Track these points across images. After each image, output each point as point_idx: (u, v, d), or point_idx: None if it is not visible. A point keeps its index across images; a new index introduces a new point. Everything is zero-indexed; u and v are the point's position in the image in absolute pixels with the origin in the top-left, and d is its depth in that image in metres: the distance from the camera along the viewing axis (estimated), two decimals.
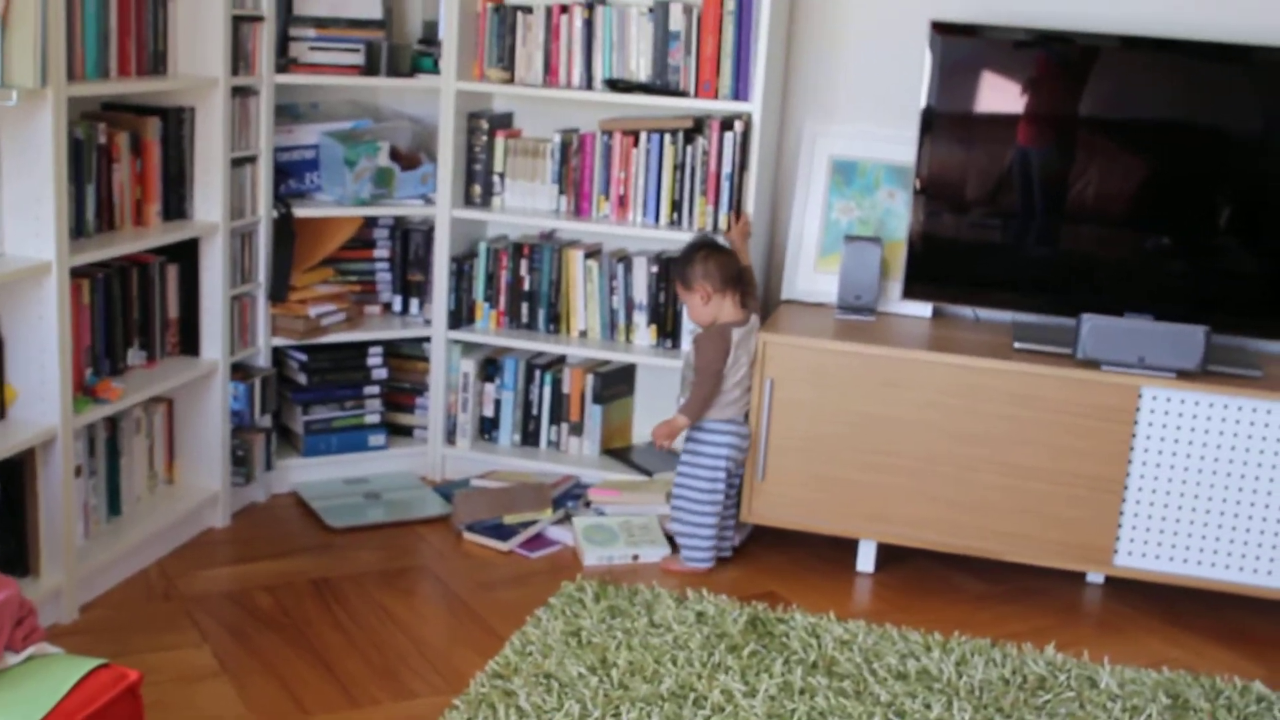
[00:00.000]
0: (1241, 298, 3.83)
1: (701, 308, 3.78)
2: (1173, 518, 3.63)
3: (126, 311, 3.59)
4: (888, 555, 3.92)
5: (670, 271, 4.10)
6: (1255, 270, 3.83)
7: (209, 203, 3.76)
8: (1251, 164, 3.80)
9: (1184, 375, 3.59)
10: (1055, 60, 3.86)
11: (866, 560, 3.89)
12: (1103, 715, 3.10)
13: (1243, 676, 3.37)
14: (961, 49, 3.85)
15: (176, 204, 3.72)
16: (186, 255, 3.78)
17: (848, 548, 3.91)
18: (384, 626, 3.39)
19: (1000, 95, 3.89)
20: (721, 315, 3.78)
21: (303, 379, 4.22)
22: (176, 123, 3.67)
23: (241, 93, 3.83)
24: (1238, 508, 3.59)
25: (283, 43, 4.03)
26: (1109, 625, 3.67)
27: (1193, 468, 3.60)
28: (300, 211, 4.07)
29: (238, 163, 3.84)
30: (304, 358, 4.21)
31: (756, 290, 3.93)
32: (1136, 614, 3.74)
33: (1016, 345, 3.76)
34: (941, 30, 3.83)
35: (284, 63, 4.02)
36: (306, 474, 4.26)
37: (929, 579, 3.88)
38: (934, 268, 3.97)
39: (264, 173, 3.95)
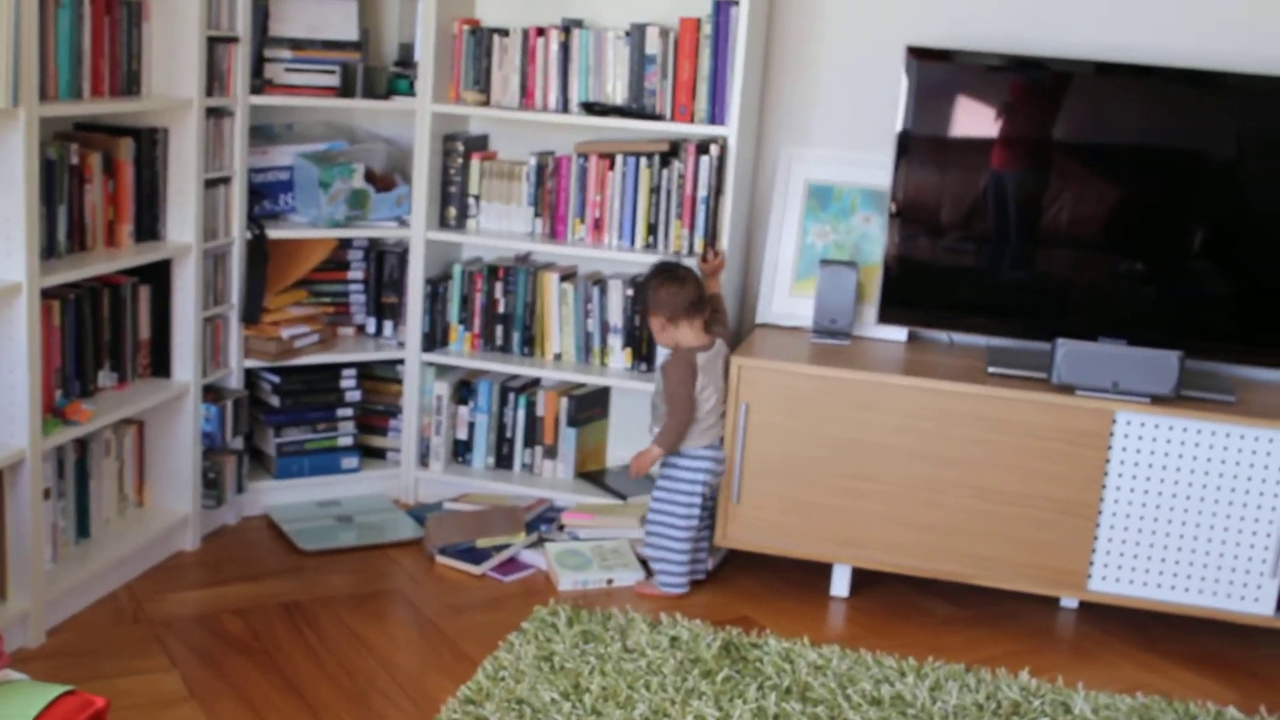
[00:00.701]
0: (1215, 323, 3.84)
1: (660, 332, 3.81)
2: (1146, 542, 3.63)
3: (97, 333, 3.56)
4: (861, 579, 3.91)
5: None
6: (1229, 295, 3.84)
7: (182, 224, 3.74)
8: (1225, 189, 3.81)
9: (1158, 400, 3.60)
10: (1030, 85, 3.88)
11: (840, 584, 3.88)
12: None
13: (1216, 702, 3.37)
14: (937, 74, 3.86)
15: (149, 225, 3.70)
16: (159, 276, 3.75)
17: (822, 572, 3.90)
18: (355, 651, 3.36)
19: (976, 120, 3.91)
20: (682, 340, 3.78)
21: (275, 401, 4.19)
22: (150, 143, 3.65)
23: (216, 114, 3.81)
24: (1211, 532, 3.60)
25: (258, 64, 4.02)
26: (1083, 650, 3.67)
27: (1166, 492, 3.60)
28: (274, 233, 4.05)
29: (211, 184, 3.82)
30: (277, 379, 4.18)
31: (726, 317, 3.92)
32: (1110, 639, 3.74)
33: (991, 370, 3.77)
34: (918, 55, 3.84)
35: (259, 84, 4.01)
36: (278, 496, 4.23)
37: (903, 603, 3.87)
38: (909, 292, 3.97)
39: (238, 194, 3.93)
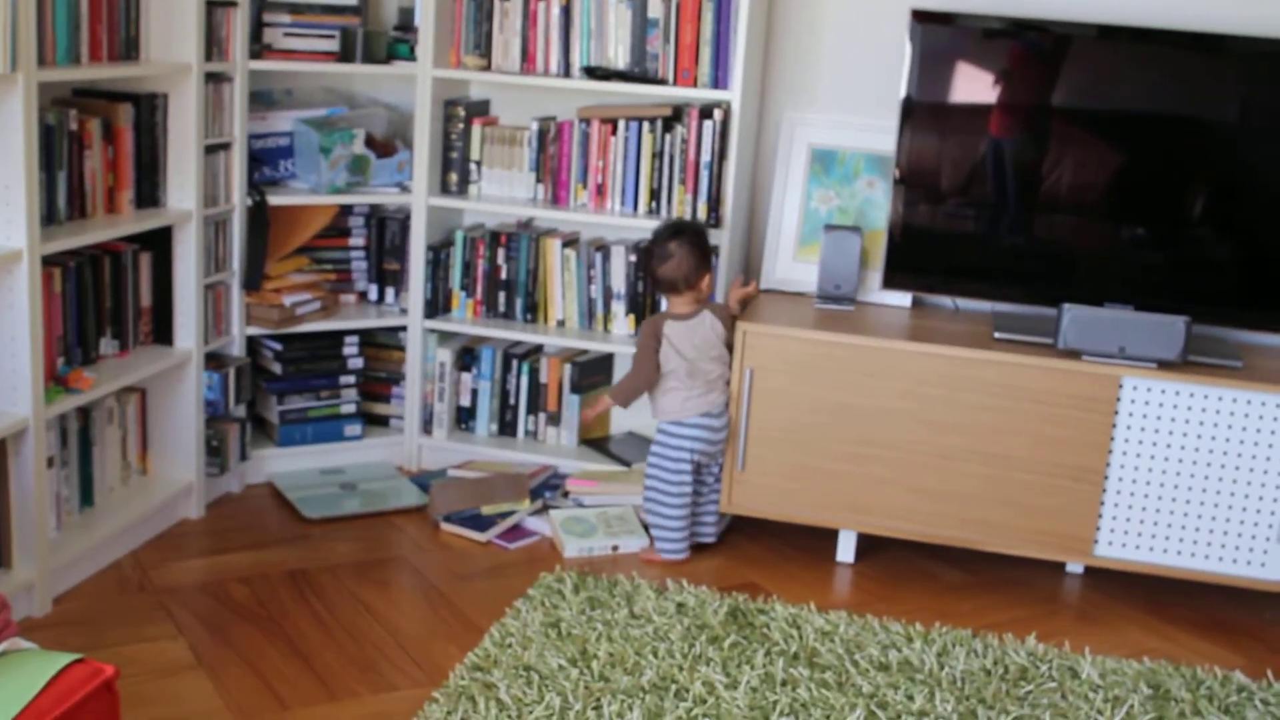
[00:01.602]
0: (1221, 288, 3.82)
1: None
2: (1153, 508, 3.63)
3: (99, 300, 3.54)
4: (867, 545, 3.90)
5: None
6: (1234, 260, 3.83)
7: (182, 190, 3.71)
8: (1229, 154, 3.79)
9: (1164, 365, 3.59)
10: (1033, 49, 3.85)
11: (847, 550, 3.88)
12: (1084, 706, 3.10)
13: (1223, 666, 3.37)
14: (942, 38, 3.83)
15: (149, 191, 3.67)
16: (160, 243, 3.73)
17: (828, 538, 3.89)
18: (361, 618, 3.36)
19: (980, 84, 3.88)
20: (671, 306, 3.79)
21: (278, 368, 4.18)
22: (149, 109, 3.62)
23: (215, 79, 3.78)
24: (1218, 498, 3.59)
25: (257, 29, 3.98)
26: (1089, 615, 3.67)
27: (1173, 458, 3.59)
28: (275, 199, 4.02)
29: (211, 150, 3.79)
30: (279, 347, 4.17)
31: (729, 329, 3.82)
32: (1117, 604, 3.74)
33: (997, 335, 3.75)
34: (922, 19, 3.80)
35: (258, 49, 3.98)
36: (282, 464, 4.22)
37: (909, 569, 3.87)
38: (914, 257, 3.95)
39: (238, 160, 3.90)
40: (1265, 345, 3.92)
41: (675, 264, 3.71)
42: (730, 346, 3.77)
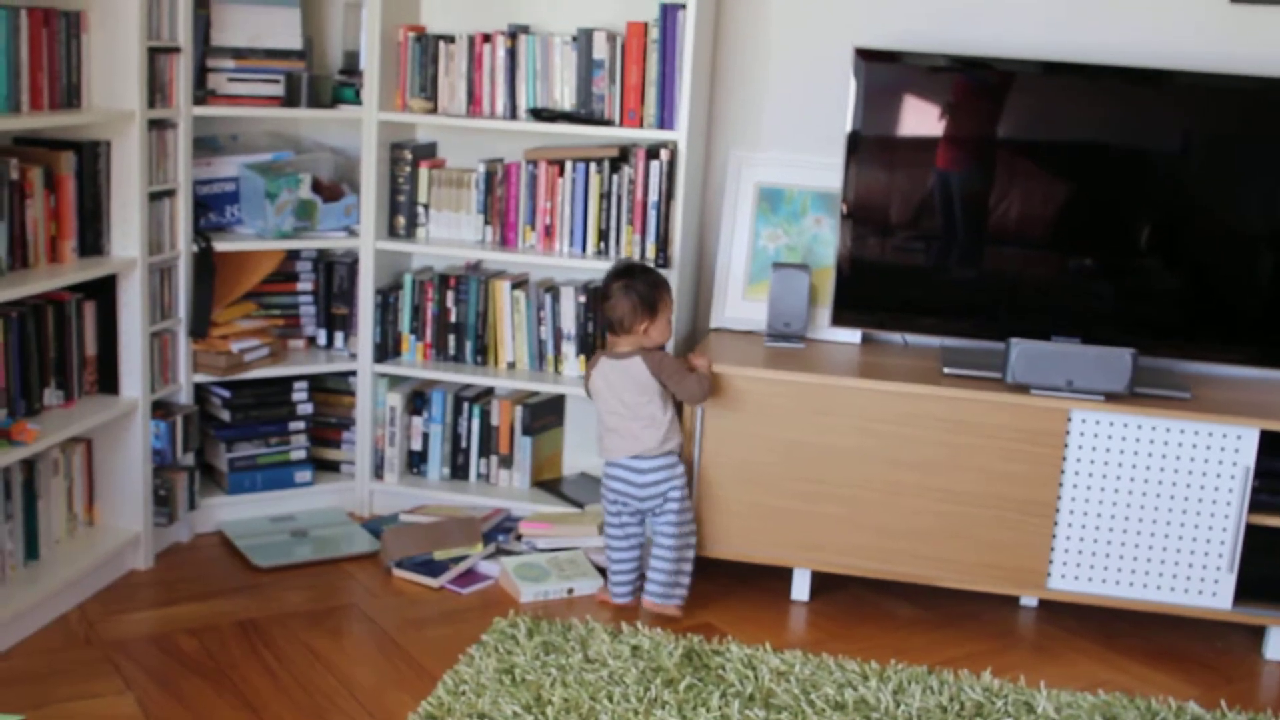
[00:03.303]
0: (1168, 319, 3.86)
1: None
2: (1104, 539, 3.64)
3: (42, 350, 3.50)
4: (822, 583, 3.90)
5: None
6: (1180, 291, 3.86)
7: (126, 238, 3.68)
8: (1173, 187, 3.83)
9: (1112, 398, 3.61)
10: (978, 86, 3.88)
11: (801, 589, 3.87)
12: None
13: (1177, 697, 3.38)
14: (885, 75, 3.85)
15: (93, 240, 3.63)
16: (104, 292, 3.69)
17: (783, 576, 3.88)
18: (312, 668, 3.31)
19: (925, 121, 3.91)
20: (610, 345, 3.76)
21: (226, 415, 4.14)
22: (92, 156, 3.59)
23: (159, 125, 3.76)
24: (1168, 528, 3.61)
25: (200, 74, 3.96)
26: (1044, 649, 3.67)
27: (1123, 489, 3.61)
28: (221, 245, 3.99)
29: (156, 196, 3.76)
30: (227, 394, 4.13)
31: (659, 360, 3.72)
32: (1071, 636, 3.75)
33: (946, 370, 3.77)
34: (866, 56, 3.83)
35: (202, 94, 3.95)
36: (231, 512, 4.18)
37: (864, 606, 3.86)
38: (862, 294, 3.96)
39: (183, 206, 3.87)
40: (1212, 376, 3.95)
41: (612, 305, 3.69)
42: (674, 395, 3.70)
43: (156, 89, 3.71)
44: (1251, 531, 3.59)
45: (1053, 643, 3.71)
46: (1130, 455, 3.60)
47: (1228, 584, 3.61)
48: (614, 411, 3.69)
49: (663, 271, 3.96)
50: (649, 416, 3.67)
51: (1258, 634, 3.74)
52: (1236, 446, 3.55)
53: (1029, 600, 3.92)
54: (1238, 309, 3.82)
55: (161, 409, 3.89)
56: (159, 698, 3.13)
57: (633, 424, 3.67)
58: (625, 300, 3.67)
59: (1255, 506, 3.58)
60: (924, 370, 3.80)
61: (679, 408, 3.74)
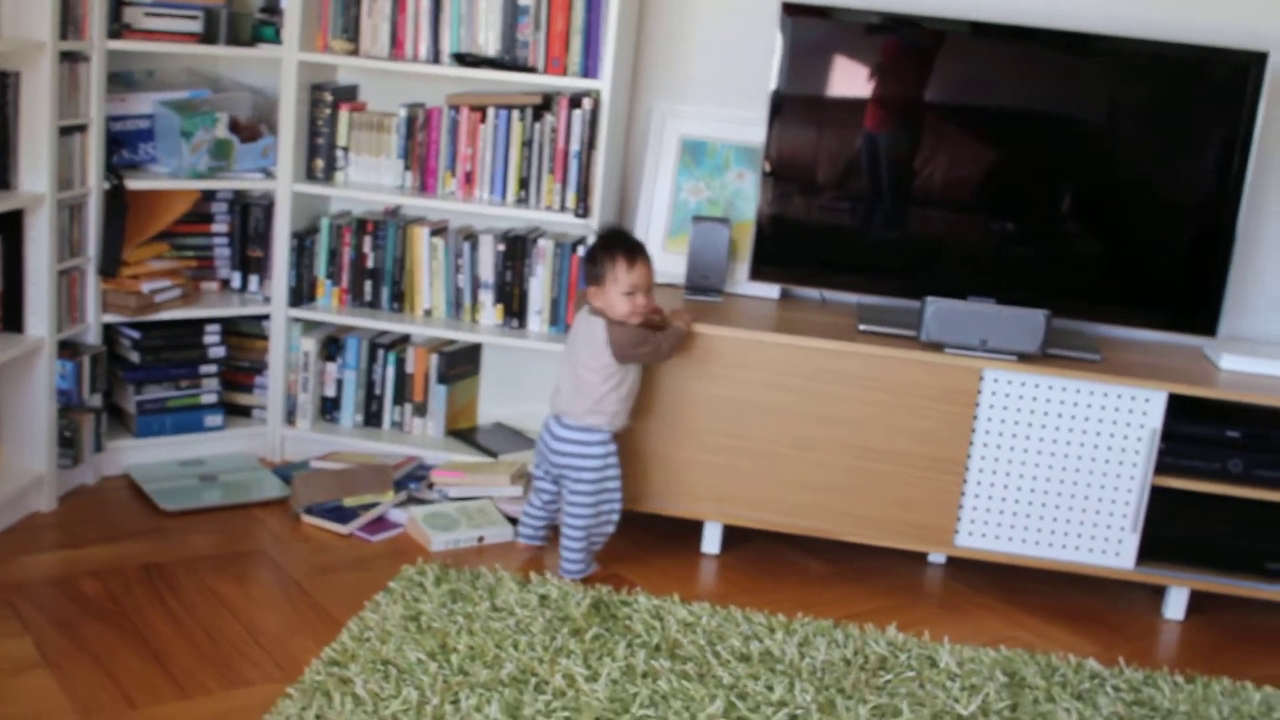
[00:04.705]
0: (1082, 282, 3.89)
1: None
2: (1012, 498, 3.68)
3: None
4: (733, 536, 3.91)
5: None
6: (1096, 256, 3.89)
7: (35, 172, 3.60)
8: (1094, 152, 3.86)
9: (1025, 358, 3.64)
10: (905, 45, 3.88)
11: (712, 542, 3.88)
12: (942, 694, 3.13)
13: (1077, 654, 3.43)
14: (812, 31, 3.84)
15: (0, 173, 3.56)
16: (11, 227, 3.61)
17: (693, 529, 3.89)
18: (217, 613, 3.28)
19: (850, 79, 3.90)
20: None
21: (135, 357, 4.07)
22: (0, 87, 3.51)
23: (71, 58, 3.67)
24: (1075, 489, 3.65)
25: (116, 7, 3.86)
26: (949, 605, 3.71)
27: (1032, 449, 3.65)
28: (134, 183, 3.92)
29: (67, 131, 3.68)
30: (137, 335, 4.06)
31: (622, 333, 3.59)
32: (976, 594, 3.79)
33: (861, 327, 3.78)
34: (792, 11, 3.81)
35: (118, 28, 3.86)
36: (139, 456, 4.12)
37: (773, 560, 3.88)
38: (782, 249, 3.96)
39: (95, 142, 3.79)
40: (1123, 339, 4.00)
41: (594, 262, 3.58)
42: (622, 361, 3.56)
43: (69, 20, 3.63)
44: (1156, 493, 3.64)
45: (958, 599, 3.75)
46: (1040, 415, 3.63)
47: (1131, 544, 3.67)
48: (564, 361, 3.63)
49: (581, 222, 3.94)
50: (582, 379, 3.55)
51: (1159, 593, 3.80)
52: (1145, 409, 3.59)
53: (936, 557, 3.96)
54: (1152, 274, 3.86)
55: (68, 349, 3.82)
56: (58, 641, 3.08)
57: (568, 379, 3.59)
58: (587, 262, 3.60)
59: (1161, 469, 3.63)
60: (840, 327, 3.81)
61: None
